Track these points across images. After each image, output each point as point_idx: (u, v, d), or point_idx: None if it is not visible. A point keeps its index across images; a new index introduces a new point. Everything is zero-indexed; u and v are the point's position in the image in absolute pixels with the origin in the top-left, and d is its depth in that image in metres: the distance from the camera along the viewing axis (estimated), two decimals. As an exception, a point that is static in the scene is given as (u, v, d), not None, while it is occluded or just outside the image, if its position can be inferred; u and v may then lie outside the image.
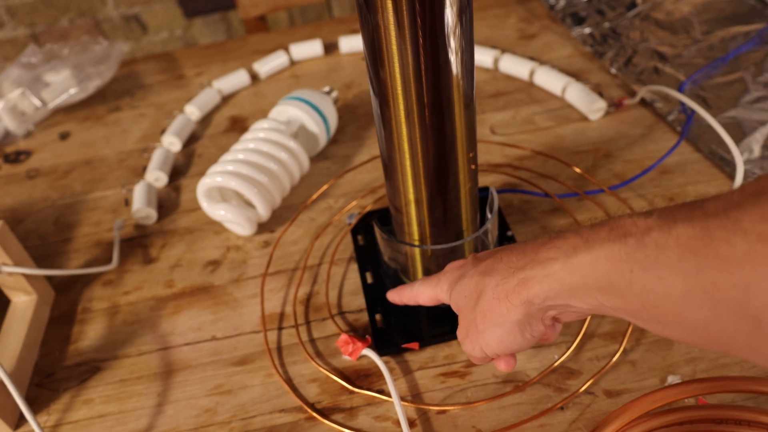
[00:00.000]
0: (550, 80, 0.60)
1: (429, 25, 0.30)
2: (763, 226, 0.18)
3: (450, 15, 0.30)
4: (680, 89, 0.57)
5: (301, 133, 0.56)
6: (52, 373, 0.43)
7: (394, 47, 0.31)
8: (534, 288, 0.26)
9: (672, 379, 0.36)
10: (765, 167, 0.48)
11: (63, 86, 0.67)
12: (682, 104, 0.54)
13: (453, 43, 0.31)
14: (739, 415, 0.23)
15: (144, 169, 0.59)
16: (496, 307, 0.28)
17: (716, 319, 0.19)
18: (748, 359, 0.21)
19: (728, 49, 0.61)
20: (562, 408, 0.36)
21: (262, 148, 0.51)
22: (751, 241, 0.18)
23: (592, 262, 0.23)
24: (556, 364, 0.38)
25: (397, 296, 0.39)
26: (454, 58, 0.32)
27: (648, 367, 0.37)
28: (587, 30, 0.67)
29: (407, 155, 0.36)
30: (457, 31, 0.31)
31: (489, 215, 0.41)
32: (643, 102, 0.58)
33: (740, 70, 0.58)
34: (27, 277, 0.45)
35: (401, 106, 0.34)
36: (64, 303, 0.48)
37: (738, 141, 0.50)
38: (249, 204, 0.51)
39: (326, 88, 0.60)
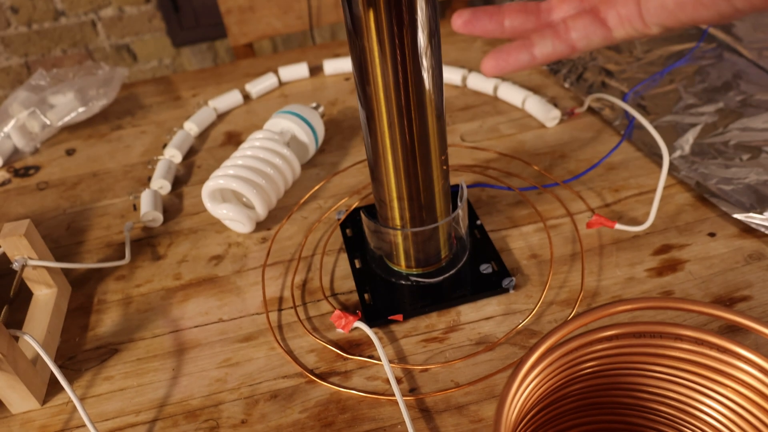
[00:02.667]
0: (511, 94, 0.68)
1: (405, 47, 0.36)
2: None
3: (422, 38, 0.36)
4: (624, 99, 0.65)
5: (292, 143, 0.62)
6: (74, 356, 0.48)
7: (378, 67, 0.37)
8: None
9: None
10: (694, 161, 0.56)
11: (68, 107, 0.73)
12: (626, 112, 0.62)
13: (425, 62, 0.37)
14: (653, 328, 0.29)
15: (149, 179, 0.65)
16: None
17: None
18: None
19: (665, 65, 0.70)
20: (525, 362, 0.42)
21: (259, 154, 0.57)
22: None
23: None
24: (520, 326, 0.45)
25: None
26: (426, 75, 0.38)
27: (597, 326, 0.44)
28: (544, 51, 0.76)
29: (390, 159, 0.42)
30: (428, 52, 0.37)
31: (459, 203, 0.48)
32: (593, 111, 0.66)
33: (675, 83, 0.67)
34: (49, 270, 0.50)
35: (384, 117, 0.40)
36: (80, 296, 0.53)
37: (672, 141, 0.58)
38: (247, 205, 0.57)
39: (314, 104, 0.67)
